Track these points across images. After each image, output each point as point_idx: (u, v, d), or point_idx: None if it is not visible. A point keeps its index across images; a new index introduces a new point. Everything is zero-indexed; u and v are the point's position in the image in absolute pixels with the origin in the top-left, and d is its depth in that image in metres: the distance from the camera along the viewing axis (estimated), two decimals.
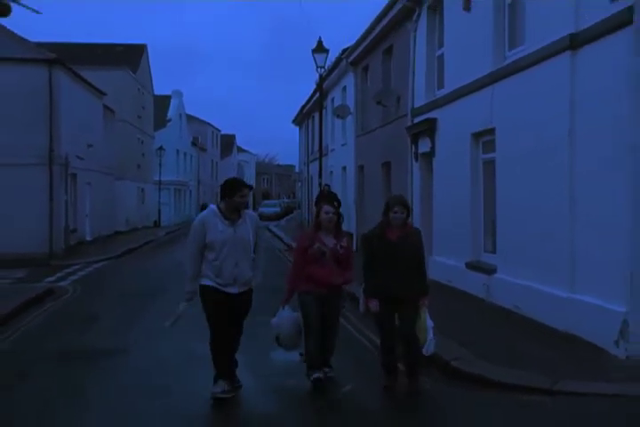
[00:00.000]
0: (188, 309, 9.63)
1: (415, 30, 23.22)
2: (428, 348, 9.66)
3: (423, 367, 10.07)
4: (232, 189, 9.52)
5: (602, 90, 12.03)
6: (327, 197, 10.50)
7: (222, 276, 9.47)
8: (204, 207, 65.78)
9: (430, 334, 9.63)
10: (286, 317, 10.11)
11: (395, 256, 9.60)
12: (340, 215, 10.19)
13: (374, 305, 9.69)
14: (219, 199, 9.87)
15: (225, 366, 9.56)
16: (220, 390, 9.35)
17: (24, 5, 19.36)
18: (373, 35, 28.55)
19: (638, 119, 11.16)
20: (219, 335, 9.54)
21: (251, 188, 9.99)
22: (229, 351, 9.69)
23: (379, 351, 10.29)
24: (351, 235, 29.30)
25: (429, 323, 9.68)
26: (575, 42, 12.75)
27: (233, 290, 9.53)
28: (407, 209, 9.87)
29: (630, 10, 11.08)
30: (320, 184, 33.70)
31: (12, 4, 18.83)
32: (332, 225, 10.06)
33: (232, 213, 9.58)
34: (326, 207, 10.03)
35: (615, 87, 11.60)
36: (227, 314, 9.54)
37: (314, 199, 31.62)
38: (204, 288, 9.57)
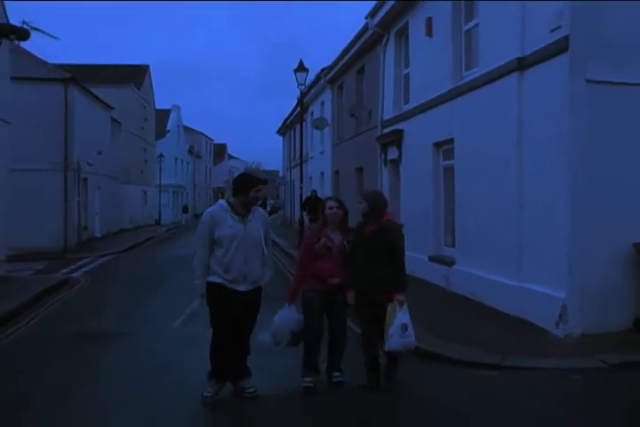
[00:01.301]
0: (199, 307, 8.32)
1: (384, 53, 23.33)
2: (388, 343, 8.43)
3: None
4: (248, 185, 8.40)
5: (545, 107, 12.21)
6: (312, 202, 9.45)
7: (231, 272, 8.23)
8: (185, 209, 64.41)
9: (393, 330, 8.35)
10: (292, 319, 8.71)
11: (365, 250, 8.64)
12: (346, 211, 8.95)
13: (351, 298, 8.67)
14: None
15: (222, 366, 8.41)
16: (211, 393, 8.32)
17: (44, 32, 19.51)
18: (348, 56, 28.66)
19: (575, 134, 11.38)
20: (220, 335, 8.36)
21: (265, 182, 8.85)
22: (231, 353, 8.42)
23: (360, 348, 8.99)
24: None
25: (400, 319, 8.37)
26: (522, 64, 12.93)
27: (242, 288, 8.29)
28: (367, 201, 8.83)
29: (567, 38, 11.35)
30: (301, 188, 33.80)
31: (30, 30, 18.96)
32: (339, 220, 8.86)
33: (243, 208, 8.38)
34: (330, 202, 8.95)
35: (556, 105, 11.78)
36: (231, 312, 8.28)
37: (302, 201, 31.84)
38: (210, 285, 8.29)
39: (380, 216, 8.80)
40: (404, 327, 8.40)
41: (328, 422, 7.99)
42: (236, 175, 8.86)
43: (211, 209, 8.53)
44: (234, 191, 8.54)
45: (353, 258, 8.77)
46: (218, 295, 8.27)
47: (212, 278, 8.32)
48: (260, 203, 8.87)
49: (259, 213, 8.67)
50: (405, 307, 8.49)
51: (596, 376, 9.27)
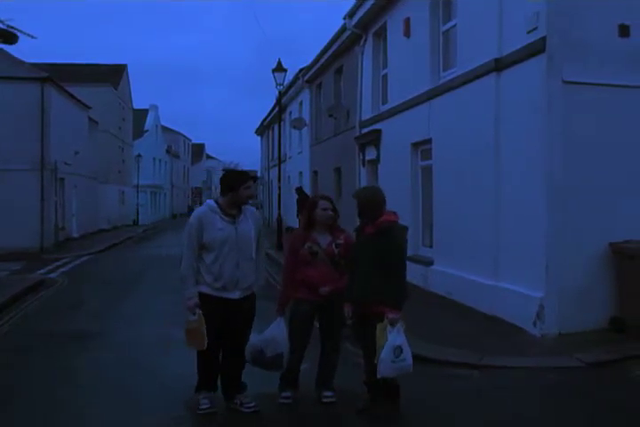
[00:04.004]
0: (199, 323, 7.45)
1: (362, 53, 23.40)
2: (379, 369, 7.30)
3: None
4: (236, 182, 7.70)
5: (522, 107, 12.28)
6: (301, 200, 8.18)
7: (222, 278, 7.54)
8: None
9: (385, 354, 7.23)
10: (279, 335, 7.84)
11: (360, 255, 7.65)
12: (337, 211, 8.13)
13: (347, 311, 7.80)
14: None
15: (212, 376, 7.86)
16: (207, 404, 7.74)
17: (22, 31, 19.36)
18: (326, 57, 28.75)
19: (552, 134, 11.45)
20: (211, 349, 7.62)
21: (255, 179, 7.81)
22: (228, 368, 7.92)
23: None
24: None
25: (393, 342, 7.26)
26: (499, 65, 13.00)
27: (233, 295, 7.62)
28: (356, 199, 7.78)
29: (543, 40, 11.43)
30: (279, 188, 33.79)
31: (18, 34, 18.81)
32: (331, 223, 8.07)
33: (233, 208, 7.69)
34: (323, 203, 8.03)
35: (533, 105, 11.85)
36: (222, 324, 7.65)
37: (276, 200, 31.64)
38: (199, 296, 7.54)
39: (374, 216, 7.68)
40: (398, 351, 7.29)
41: (311, 420, 7.99)
42: (222, 174, 8.12)
43: (199, 210, 7.81)
44: (222, 190, 7.83)
45: (351, 265, 7.83)
46: (208, 307, 7.50)
47: (200, 288, 7.59)
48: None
49: (250, 212, 7.95)
50: (399, 326, 7.39)
51: (573, 375, 9.34)
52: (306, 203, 8.42)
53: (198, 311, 7.45)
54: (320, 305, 7.96)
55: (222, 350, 7.88)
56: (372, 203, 7.76)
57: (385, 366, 7.26)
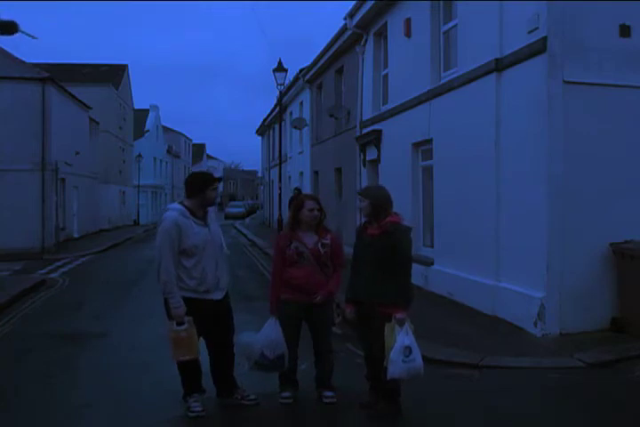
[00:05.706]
0: (190, 330, 7.44)
1: (363, 53, 23.42)
2: (390, 371, 7.24)
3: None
4: (204, 184, 7.71)
5: (523, 108, 12.29)
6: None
7: (206, 281, 7.55)
8: None
9: (394, 354, 7.18)
10: (277, 336, 7.78)
11: (364, 255, 7.64)
12: (323, 212, 8.10)
13: (349, 311, 7.80)
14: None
15: (199, 378, 7.84)
16: (199, 407, 7.67)
17: (24, 32, 19.36)
18: (327, 56, 28.71)
19: (553, 134, 11.46)
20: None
21: (220, 180, 8.19)
22: (220, 366, 7.97)
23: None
24: None
25: (402, 342, 7.19)
26: (500, 65, 13.01)
27: (216, 296, 7.69)
28: (369, 199, 7.65)
29: (544, 40, 11.44)
30: (280, 188, 33.78)
31: (17, 26, 18.75)
32: (316, 223, 8.05)
33: (200, 210, 7.69)
34: (309, 203, 8.01)
35: (533, 106, 11.86)
36: (209, 326, 7.67)
37: (277, 200, 31.60)
38: (184, 302, 7.45)
39: (382, 217, 7.63)
40: (407, 351, 7.22)
41: (311, 420, 7.99)
42: (188, 177, 8.16)
43: (171, 215, 7.56)
44: (189, 193, 7.78)
45: (353, 264, 7.82)
46: (194, 311, 7.47)
47: (185, 294, 7.50)
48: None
49: (211, 211, 7.98)
50: (407, 326, 7.33)
51: (573, 375, 9.34)
52: (292, 202, 8.43)
53: (188, 318, 7.42)
54: (306, 306, 7.94)
55: (211, 350, 7.95)
56: (383, 203, 7.71)
57: (395, 366, 7.21)
